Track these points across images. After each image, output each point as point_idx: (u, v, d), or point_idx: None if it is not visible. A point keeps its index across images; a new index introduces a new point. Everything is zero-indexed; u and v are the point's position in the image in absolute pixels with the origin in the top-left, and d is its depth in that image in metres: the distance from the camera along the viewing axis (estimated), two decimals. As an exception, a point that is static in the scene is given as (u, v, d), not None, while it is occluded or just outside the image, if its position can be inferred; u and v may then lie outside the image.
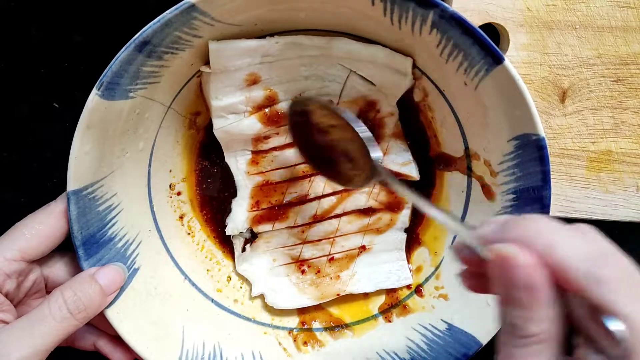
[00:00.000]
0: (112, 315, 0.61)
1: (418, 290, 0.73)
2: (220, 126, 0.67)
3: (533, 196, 0.61)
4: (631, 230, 0.81)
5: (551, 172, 0.59)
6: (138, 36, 0.53)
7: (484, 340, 0.65)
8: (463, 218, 0.71)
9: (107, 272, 0.59)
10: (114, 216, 0.63)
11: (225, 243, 0.76)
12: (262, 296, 0.75)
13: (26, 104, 0.72)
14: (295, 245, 0.74)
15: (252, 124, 0.68)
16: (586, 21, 0.69)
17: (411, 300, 0.73)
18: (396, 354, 0.69)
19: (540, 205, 0.61)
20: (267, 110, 0.67)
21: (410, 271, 0.74)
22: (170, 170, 0.70)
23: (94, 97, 0.55)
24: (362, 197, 0.73)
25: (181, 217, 0.73)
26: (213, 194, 0.74)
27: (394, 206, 0.74)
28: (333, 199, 0.73)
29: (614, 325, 0.36)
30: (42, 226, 0.58)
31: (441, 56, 0.59)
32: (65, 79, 0.72)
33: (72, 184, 0.57)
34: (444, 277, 0.72)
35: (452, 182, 0.72)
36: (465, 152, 0.68)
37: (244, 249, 0.74)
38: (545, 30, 0.69)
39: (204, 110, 0.70)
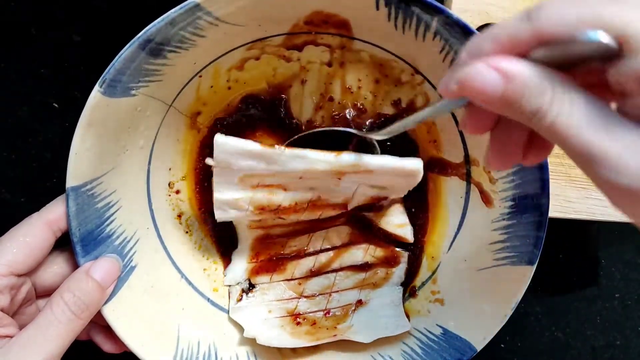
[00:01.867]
0: (108, 312, 0.61)
1: (412, 291, 0.73)
2: (222, 218, 0.68)
3: (531, 203, 0.62)
4: (631, 231, 0.81)
5: (551, 173, 0.59)
6: (142, 34, 0.54)
7: (479, 346, 0.65)
8: (461, 224, 0.71)
9: (101, 265, 0.59)
10: (113, 213, 0.63)
11: (223, 243, 0.76)
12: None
13: (26, 104, 0.72)
14: (292, 299, 0.74)
15: (255, 217, 0.69)
16: (586, 22, 0.69)
17: (406, 305, 0.73)
18: (391, 358, 0.69)
19: (538, 213, 0.61)
20: (270, 209, 0.68)
21: (408, 318, 0.73)
22: (170, 169, 0.70)
23: (95, 94, 0.55)
24: (359, 253, 0.74)
25: (179, 216, 0.73)
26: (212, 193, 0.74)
27: (390, 261, 0.74)
28: (330, 253, 0.74)
29: (594, 36, 0.33)
30: (28, 239, 0.58)
31: (444, 62, 0.60)
32: (65, 79, 0.72)
33: (71, 181, 0.57)
34: (441, 282, 0.72)
35: (451, 187, 0.72)
36: (465, 158, 0.69)
37: (240, 299, 0.74)
38: (545, 30, 0.69)
39: (205, 109, 0.70)
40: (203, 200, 0.74)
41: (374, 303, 0.74)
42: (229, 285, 0.74)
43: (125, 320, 0.62)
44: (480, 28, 0.68)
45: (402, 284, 0.75)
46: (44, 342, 0.54)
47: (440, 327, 0.69)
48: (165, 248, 0.70)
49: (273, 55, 0.67)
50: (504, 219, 0.65)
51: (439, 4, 0.54)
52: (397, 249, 0.74)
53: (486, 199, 0.67)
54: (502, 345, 0.82)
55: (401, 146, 0.72)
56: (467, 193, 0.69)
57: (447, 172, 0.71)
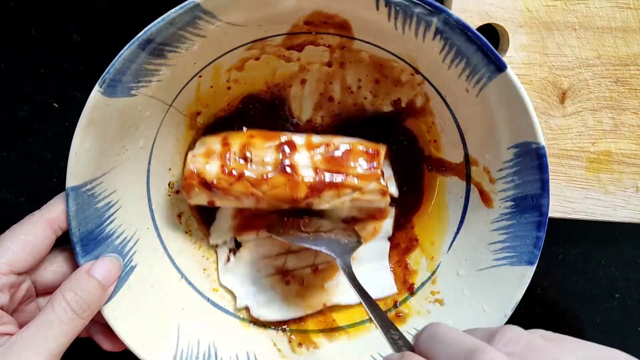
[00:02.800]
0: (108, 312, 0.61)
1: (411, 289, 0.73)
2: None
3: (531, 204, 0.62)
4: (631, 231, 0.81)
5: (550, 173, 0.60)
6: (142, 34, 0.54)
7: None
8: (461, 224, 0.71)
9: (102, 264, 0.59)
10: (113, 213, 0.63)
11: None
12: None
13: (26, 104, 0.72)
14: (280, 255, 0.74)
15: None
16: (586, 22, 0.69)
17: (406, 305, 0.73)
18: (391, 358, 0.69)
19: (538, 213, 0.62)
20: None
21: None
22: (170, 169, 0.70)
23: (95, 93, 0.55)
24: (345, 207, 0.74)
25: (179, 216, 0.73)
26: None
27: (376, 215, 0.74)
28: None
29: None
30: (29, 237, 0.58)
31: (444, 62, 0.60)
32: (65, 79, 0.72)
33: (71, 180, 0.57)
34: (440, 282, 0.72)
35: (451, 188, 0.72)
36: (464, 158, 0.69)
37: (228, 260, 0.74)
38: (545, 31, 0.69)
39: (204, 109, 0.70)
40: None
41: (361, 258, 0.75)
42: (216, 246, 0.75)
43: (125, 320, 0.62)
44: (480, 28, 0.68)
45: (389, 239, 0.76)
46: (45, 340, 0.54)
47: (440, 327, 0.68)
48: (165, 248, 0.70)
49: (273, 55, 0.67)
50: (503, 219, 0.65)
51: (439, 4, 0.54)
52: None
53: (486, 199, 0.67)
54: (502, 346, 0.82)
55: (401, 144, 0.73)
56: (467, 193, 0.69)
57: (446, 171, 0.72)
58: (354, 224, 0.74)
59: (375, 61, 0.68)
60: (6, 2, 0.70)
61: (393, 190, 0.73)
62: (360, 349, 0.72)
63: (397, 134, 0.73)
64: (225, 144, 0.66)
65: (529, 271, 0.63)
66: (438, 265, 0.72)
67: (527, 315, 0.82)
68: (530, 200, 0.62)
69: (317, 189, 0.66)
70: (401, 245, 0.76)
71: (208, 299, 0.72)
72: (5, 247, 0.57)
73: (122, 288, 0.63)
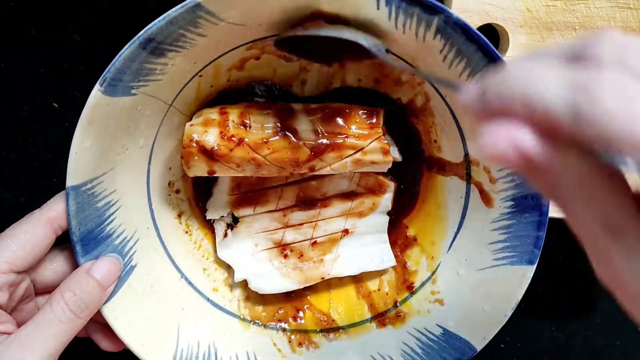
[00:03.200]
0: (108, 312, 0.61)
1: (410, 288, 0.73)
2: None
3: (531, 204, 0.62)
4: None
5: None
6: (143, 33, 0.53)
7: (479, 346, 0.65)
8: (461, 224, 0.71)
9: (102, 264, 0.59)
10: (113, 213, 0.63)
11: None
12: (256, 297, 0.75)
13: (26, 104, 0.72)
14: (278, 229, 0.74)
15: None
16: (586, 22, 0.69)
17: (406, 305, 0.73)
18: (390, 358, 0.69)
19: (538, 213, 0.62)
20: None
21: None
22: (170, 168, 0.70)
23: (96, 93, 0.55)
24: (344, 182, 0.74)
25: (179, 215, 0.73)
26: (212, 192, 0.74)
27: (376, 189, 0.75)
28: (314, 182, 0.74)
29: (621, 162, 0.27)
30: (29, 236, 0.58)
31: (444, 62, 0.60)
32: (65, 79, 0.72)
33: (71, 180, 0.57)
34: (440, 282, 0.72)
35: (451, 188, 0.72)
36: (465, 158, 0.69)
37: (225, 235, 0.74)
38: (545, 31, 0.69)
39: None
40: (203, 199, 0.74)
41: (360, 231, 0.75)
42: (213, 221, 0.75)
43: (125, 320, 0.62)
44: (480, 28, 0.68)
45: (389, 213, 0.76)
46: (43, 340, 0.54)
47: (440, 327, 0.69)
48: (165, 247, 0.70)
49: (273, 55, 0.67)
50: (504, 219, 0.65)
51: (439, 4, 0.54)
52: (382, 178, 0.74)
53: (486, 199, 0.67)
54: (502, 345, 0.82)
55: (402, 142, 0.73)
56: (467, 193, 0.69)
57: (446, 171, 0.72)
58: (354, 198, 0.74)
59: (376, 61, 0.67)
60: (6, 2, 0.70)
61: (396, 154, 0.72)
62: (360, 348, 0.71)
63: (400, 134, 0.73)
64: (223, 113, 0.65)
65: (529, 271, 0.63)
66: (438, 265, 0.72)
67: (527, 315, 0.82)
68: (531, 199, 0.62)
69: (319, 150, 0.65)
70: (398, 242, 0.77)
71: (208, 299, 0.72)
72: (5, 246, 0.57)
73: (122, 288, 0.63)
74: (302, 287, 0.74)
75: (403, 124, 0.73)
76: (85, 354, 0.66)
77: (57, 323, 0.55)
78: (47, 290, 0.61)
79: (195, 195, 0.74)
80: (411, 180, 0.75)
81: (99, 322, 0.63)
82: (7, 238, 0.57)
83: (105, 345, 0.64)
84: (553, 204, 0.33)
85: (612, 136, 0.26)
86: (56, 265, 0.62)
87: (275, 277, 0.74)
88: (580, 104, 0.27)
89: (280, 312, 0.75)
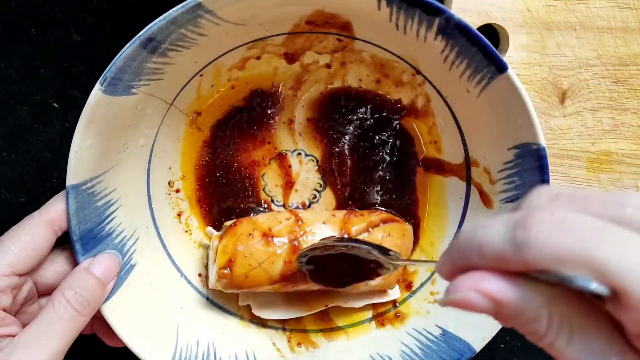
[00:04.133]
0: (107, 311, 0.61)
1: (409, 287, 0.73)
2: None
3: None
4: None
5: (550, 173, 0.59)
6: (143, 32, 0.54)
7: (478, 346, 0.65)
8: (461, 225, 0.71)
9: (100, 261, 0.60)
10: (112, 212, 0.63)
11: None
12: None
13: (26, 104, 0.72)
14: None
15: None
16: (586, 22, 0.69)
17: (405, 305, 0.73)
18: (390, 358, 0.69)
19: (538, 215, 0.61)
20: None
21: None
22: (170, 167, 0.70)
23: (96, 92, 0.55)
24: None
25: (179, 215, 0.73)
26: (212, 192, 0.74)
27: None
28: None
29: (582, 283, 0.30)
30: (29, 238, 0.58)
31: (445, 63, 0.60)
32: (65, 79, 0.72)
33: (71, 178, 0.57)
34: (440, 283, 0.72)
35: (451, 189, 0.72)
36: (465, 159, 0.69)
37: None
38: (545, 31, 0.69)
39: (205, 109, 0.70)
40: (203, 199, 0.74)
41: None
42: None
43: (125, 319, 0.62)
44: (480, 28, 0.68)
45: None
46: (48, 339, 0.54)
47: (440, 327, 0.69)
48: (164, 247, 0.70)
49: (274, 54, 0.67)
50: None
51: (440, 5, 0.54)
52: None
53: (486, 200, 0.67)
54: (502, 346, 0.82)
55: (399, 144, 0.73)
56: (467, 194, 0.69)
57: (445, 172, 0.72)
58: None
59: (377, 61, 0.68)
60: (6, 2, 0.70)
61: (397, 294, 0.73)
62: (359, 349, 0.71)
63: (394, 135, 0.73)
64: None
65: (529, 272, 0.63)
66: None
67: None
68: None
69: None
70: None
71: (207, 298, 0.72)
72: (5, 249, 0.57)
73: (121, 287, 0.63)
74: (305, 314, 0.73)
75: (399, 125, 0.73)
76: (90, 350, 0.67)
77: (60, 321, 0.55)
78: (50, 291, 0.61)
79: (197, 195, 0.74)
80: (405, 184, 0.75)
81: (103, 319, 0.63)
82: (8, 241, 0.57)
83: (110, 341, 0.64)
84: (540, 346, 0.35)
85: (548, 255, 0.30)
86: (57, 266, 0.62)
87: (279, 306, 0.73)
88: (517, 236, 0.31)
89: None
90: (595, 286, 0.29)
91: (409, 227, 0.71)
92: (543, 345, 0.34)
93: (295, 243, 0.66)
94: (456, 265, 0.36)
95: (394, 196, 0.74)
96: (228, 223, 0.69)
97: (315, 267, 0.64)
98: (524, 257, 0.31)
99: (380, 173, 0.73)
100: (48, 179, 0.73)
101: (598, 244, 0.30)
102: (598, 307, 0.33)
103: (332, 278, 0.65)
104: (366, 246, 0.59)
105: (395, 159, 0.73)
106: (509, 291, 0.33)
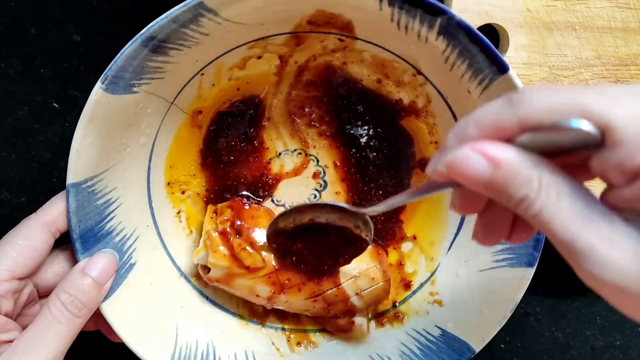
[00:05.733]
0: (107, 309, 0.61)
1: (408, 286, 0.73)
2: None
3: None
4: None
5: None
6: (145, 31, 0.54)
7: (478, 347, 0.65)
8: (460, 225, 0.71)
9: (96, 261, 0.59)
10: (113, 210, 0.63)
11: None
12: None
13: (26, 104, 0.72)
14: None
15: None
16: (586, 22, 0.69)
17: (405, 305, 0.73)
18: (389, 358, 0.69)
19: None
20: None
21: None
22: (171, 167, 0.70)
23: (97, 90, 0.55)
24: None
25: (179, 213, 0.73)
26: (212, 191, 0.74)
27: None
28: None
29: (575, 124, 0.33)
30: (27, 242, 0.58)
31: (446, 63, 0.60)
32: (65, 79, 0.72)
33: (72, 177, 0.57)
34: (439, 283, 0.72)
35: (451, 189, 0.71)
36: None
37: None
38: (545, 31, 0.69)
39: (206, 108, 0.70)
40: (203, 198, 0.74)
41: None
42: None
43: (124, 318, 0.62)
44: (480, 28, 0.68)
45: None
46: (45, 343, 0.54)
47: (439, 328, 0.69)
48: (164, 246, 0.70)
49: (275, 54, 0.67)
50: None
51: (442, 5, 0.54)
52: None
53: (486, 201, 0.67)
54: (502, 346, 0.82)
55: (398, 144, 0.73)
56: (467, 194, 0.69)
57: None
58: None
59: (377, 61, 0.68)
60: (6, 2, 0.70)
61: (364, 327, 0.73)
62: (358, 348, 0.72)
63: (393, 135, 0.73)
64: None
65: (529, 273, 0.63)
66: (437, 266, 0.72)
67: (527, 315, 0.82)
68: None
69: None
70: (396, 237, 0.76)
71: (207, 298, 0.72)
72: (4, 253, 0.56)
73: (121, 285, 0.63)
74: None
75: (396, 125, 0.73)
76: (92, 347, 0.67)
77: (56, 325, 0.55)
78: (50, 292, 0.61)
79: (197, 194, 0.73)
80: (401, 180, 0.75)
81: None
82: (6, 245, 0.57)
83: (114, 337, 0.64)
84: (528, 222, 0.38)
85: (542, 106, 0.34)
86: (57, 267, 0.62)
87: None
88: (512, 97, 0.35)
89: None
90: (585, 125, 0.33)
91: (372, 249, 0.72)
92: (531, 214, 0.36)
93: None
94: (452, 146, 0.38)
95: (389, 195, 0.74)
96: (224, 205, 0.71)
97: (286, 249, 0.66)
98: (521, 113, 0.34)
99: (375, 172, 0.74)
100: (48, 179, 0.73)
101: (586, 91, 0.34)
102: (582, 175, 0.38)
103: (310, 263, 0.66)
104: (338, 205, 0.61)
105: (393, 159, 0.73)
106: (507, 151, 0.35)
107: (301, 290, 0.68)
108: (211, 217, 0.70)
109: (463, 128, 0.38)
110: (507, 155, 0.35)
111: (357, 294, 0.69)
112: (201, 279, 0.72)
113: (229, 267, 0.67)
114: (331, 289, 0.68)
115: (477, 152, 0.36)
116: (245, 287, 0.68)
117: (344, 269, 0.68)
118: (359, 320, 0.71)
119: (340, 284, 0.68)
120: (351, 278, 0.68)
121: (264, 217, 0.70)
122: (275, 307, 0.70)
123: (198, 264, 0.69)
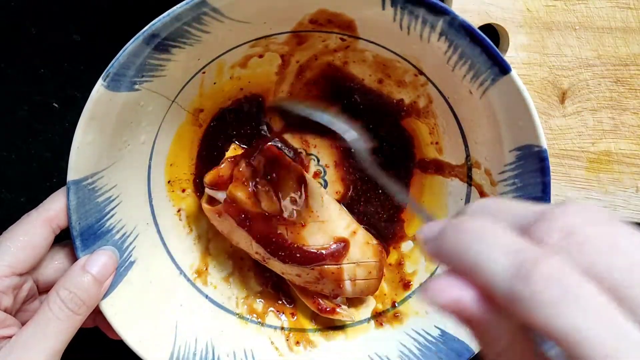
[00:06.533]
0: (106, 307, 0.61)
1: (407, 286, 0.73)
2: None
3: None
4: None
5: (551, 173, 0.59)
6: (147, 29, 0.54)
7: (477, 348, 0.65)
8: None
9: (96, 258, 0.59)
10: (113, 208, 0.63)
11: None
12: (256, 295, 0.75)
13: (26, 104, 0.72)
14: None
15: None
16: (586, 22, 0.70)
17: (404, 305, 0.73)
18: (388, 358, 0.69)
19: (538, 217, 0.61)
20: None
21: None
22: (171, 165, 0.70)
23: (99, 87, 0.55)
24: None
25: (179, 212, 0.73)
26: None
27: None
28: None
29: (548, 348, 0.29)
30: (27, 237, 0.57)
31: (448, 63, 0.60)
32: (65, 79, 0.72)
33: (72, 174, 0.57)
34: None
35: (451, 189, 0.72)
36: (466, 160, 0.69)
37: None
38: (544, 31, 0.69)
39: (207, 106, 0.70)
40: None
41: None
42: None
43: (123, 316, 0.62)
44: (480, 28, 0.68)
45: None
46: (44, 339, 0.54)
47: (438, 328, 0.69)
48: (164, 244, 0.70)
49: (276, 53, 0.67)
50: (504, 222, 0.64)
51: (444, 5, 0.54)
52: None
53: (486, 202, 0.67)
54: (501, 347, 0.81)
55: (398, 144, 0.73)
56: (468, 195, 0.70)
57: (444, 173, 0.72)
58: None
59: (379, 61, 0.68)
60: (6, 2, 0.70)
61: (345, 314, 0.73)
62: (358, 348, 0.72)
63: (394, 135, 0.73)
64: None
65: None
66: (437, 267, 0.72)
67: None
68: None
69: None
70: (396, 236, 0.76)
71: (207, 296, 0.72)
72: (4, 249, 0.56)
73: (120, 283, 0.63)
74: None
75: (397, 125, 0.73)
76: (90, 343, 0.67)
77: (55, 321, 0.55)
78: (50, 288, 0.61)
79: (197, 193, 0.74)
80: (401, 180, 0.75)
81: None
82: (6, 241, 0.57)
83: (112, 334, 0.64)
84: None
85: (540, 323, 0.28)
86: (57, 263, 0.62)
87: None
88: (517, 286, 0.29)
89: (278, 302, 0.75)
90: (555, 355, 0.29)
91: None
92: (490, 355, 0.34)
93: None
94: (441, 256, 0.35)
95: (389, 196, 0.75)
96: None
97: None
98: (516, 310, 0.29)
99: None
100: (48, 179, 0.73)
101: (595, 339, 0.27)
102: None
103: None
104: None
105: (393, 158, 0.73)
106: (486, 314, 0.32)
107: None
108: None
109: (457, 258, 0.33)
110: (487, 317, 0.32)
111: (351, 279, 0.69)
112: (200, 277, 0.72)
113: (245, 202, 0.66)
114: (332, 264, 0.68)
115: (459, 303, 0.32)
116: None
117: (352, 253, 0.68)
118: (344, 310, 0.72)
119: (341, 264, 0.68)
120: (353, 263, 0.68)
121: (294, 172, 0.68)
122: (267, 261, 0.69)
123: (206, 188, 0.68)
